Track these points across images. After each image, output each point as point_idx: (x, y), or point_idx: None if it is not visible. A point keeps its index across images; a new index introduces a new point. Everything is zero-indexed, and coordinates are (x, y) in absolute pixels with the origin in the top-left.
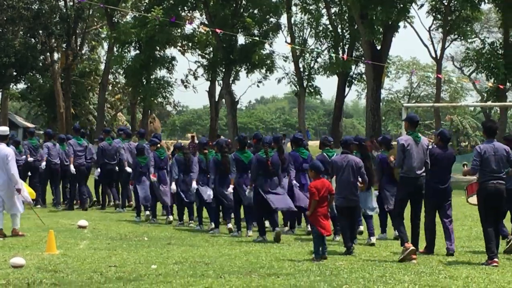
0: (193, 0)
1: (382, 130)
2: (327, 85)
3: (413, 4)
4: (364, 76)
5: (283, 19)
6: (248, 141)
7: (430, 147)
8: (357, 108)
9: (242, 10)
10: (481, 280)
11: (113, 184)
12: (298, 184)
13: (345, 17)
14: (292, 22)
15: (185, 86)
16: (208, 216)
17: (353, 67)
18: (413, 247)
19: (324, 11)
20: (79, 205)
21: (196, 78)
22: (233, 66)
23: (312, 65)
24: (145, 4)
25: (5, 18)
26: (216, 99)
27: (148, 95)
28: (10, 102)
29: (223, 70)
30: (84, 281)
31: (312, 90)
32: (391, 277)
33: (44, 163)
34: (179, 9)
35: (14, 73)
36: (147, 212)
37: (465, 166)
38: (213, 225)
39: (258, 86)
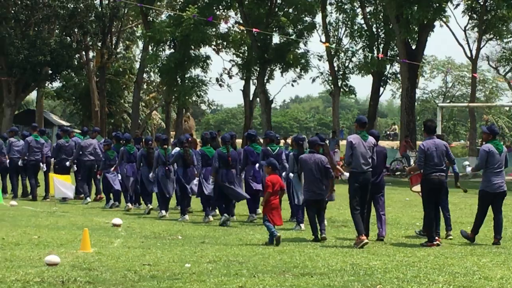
0: None
1: (417, 129)
2: (361, 84)
3: (449, 4)
4: (398, 75)
5: (318, 18)
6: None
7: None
8: (391, 108)
9: (277, 9)
10: None
11: (37, 176)
12: (251, 177)
13: (380, 16)
14: (327, 21)
15: (220, 85)
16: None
17: (387, 66)
18: (366, 240)
19: (359, 10)
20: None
21: (230, 77)
22: (267, 65)
23: (346, 64)
24: (180, 3)
25: (41, 17)
26: (251, 98)
27: (183, 94)
28: (46, 100)
29: (258, 69)
30: (118, 279)
31: (347, 90)
32: (425, 278)
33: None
34: (214, 8)
35: (50, 72)
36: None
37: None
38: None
39: (292, 85)
